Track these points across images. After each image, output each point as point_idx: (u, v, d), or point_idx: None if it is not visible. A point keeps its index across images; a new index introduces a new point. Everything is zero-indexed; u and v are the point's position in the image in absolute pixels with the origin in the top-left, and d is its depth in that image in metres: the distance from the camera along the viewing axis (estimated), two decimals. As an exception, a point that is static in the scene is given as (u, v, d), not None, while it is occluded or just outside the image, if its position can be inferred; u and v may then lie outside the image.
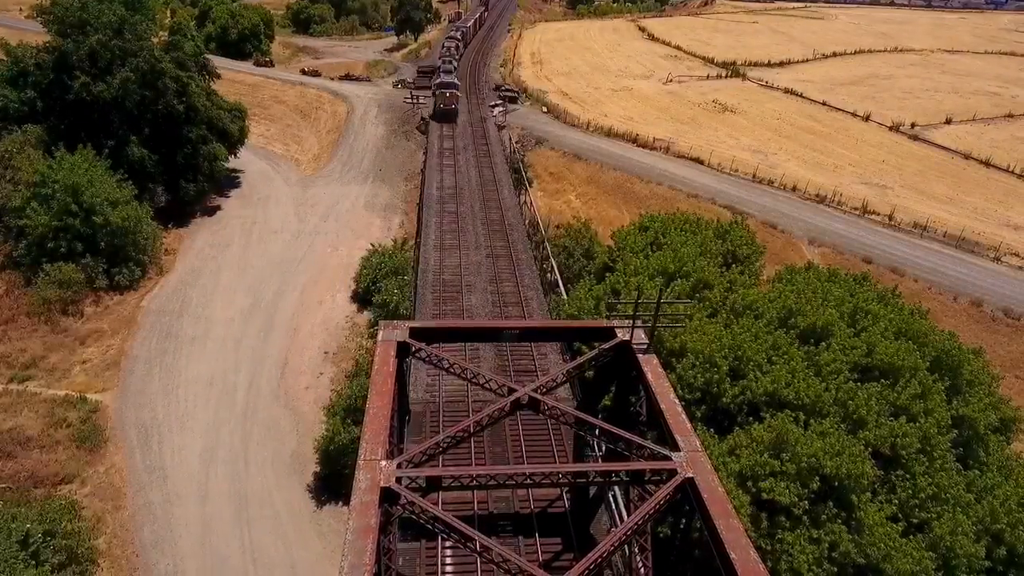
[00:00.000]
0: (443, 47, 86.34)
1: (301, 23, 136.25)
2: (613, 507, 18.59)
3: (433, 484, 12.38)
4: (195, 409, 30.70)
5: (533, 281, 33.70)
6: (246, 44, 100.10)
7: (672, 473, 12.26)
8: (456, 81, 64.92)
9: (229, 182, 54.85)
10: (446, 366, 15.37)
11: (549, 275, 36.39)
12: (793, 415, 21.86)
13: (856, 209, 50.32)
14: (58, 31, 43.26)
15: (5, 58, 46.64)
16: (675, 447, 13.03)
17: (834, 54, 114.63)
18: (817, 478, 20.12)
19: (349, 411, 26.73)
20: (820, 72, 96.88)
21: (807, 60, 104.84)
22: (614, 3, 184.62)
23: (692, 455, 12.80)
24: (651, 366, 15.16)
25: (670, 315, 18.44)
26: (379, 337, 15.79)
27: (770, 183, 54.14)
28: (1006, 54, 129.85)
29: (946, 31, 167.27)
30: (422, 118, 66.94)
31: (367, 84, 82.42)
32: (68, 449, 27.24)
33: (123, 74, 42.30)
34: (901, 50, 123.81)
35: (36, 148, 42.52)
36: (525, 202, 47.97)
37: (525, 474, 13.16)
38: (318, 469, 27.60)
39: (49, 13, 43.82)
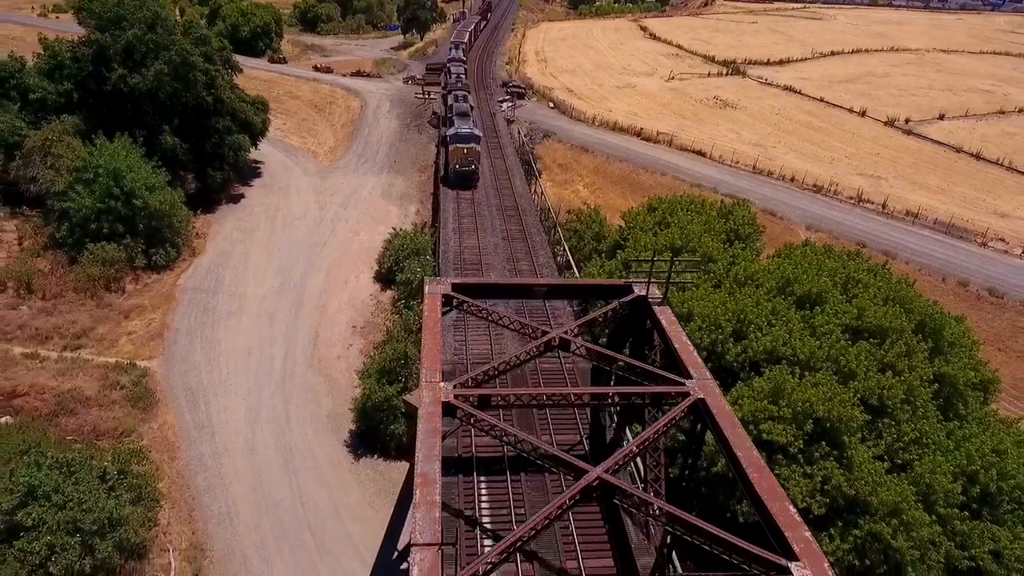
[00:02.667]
0: (450, 73, 65.41)
1: (308, 22, 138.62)
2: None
3: (484, 401, 14.31)
4: (236, 375, 33.09)
5: (548, 260, 36.03)
6: (257, 42, 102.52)
7: (686, 395, 14.28)
8: (476, 131, 45.95)
9: (251, 172, 57.22)
10: (483, 315, 17.83)
11: (559, 258, 38.76)
12: (790, 369, 24.31)
13: (851, 198, 52.79)
14: (96, 26, 45.58)
15: (43, 52, 49.01)
16: (687, 376, 15.42)
17: (832, 53, 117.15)
18: (811, 421, 22.54)
19: (383, 373, 29.13)
20: (818, 70, 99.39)
21: (805, 59, 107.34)
22: (615, 3, 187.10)
23: (703, 382, 15.10)
24: (665, 315, 17.53)
25: (678, 282, 20.92)
26: (426, 290, 18.16)
27: (769, 174, 56.60)
28: (1000, 54, 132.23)
29: (943, 32, 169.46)
30: (434, 112, 69.34)
31: (378, 80, 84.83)
32: (123, 408, 29.62)
33: (157, 66, 44.67)
34: (897, 50, 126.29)
35: (73, 137, 44.91)
36: (536, 191, 50.37)
37: (561, 394, 15.67)
38: (354, 427, 29.98)
39: (87, 9, 46.16)
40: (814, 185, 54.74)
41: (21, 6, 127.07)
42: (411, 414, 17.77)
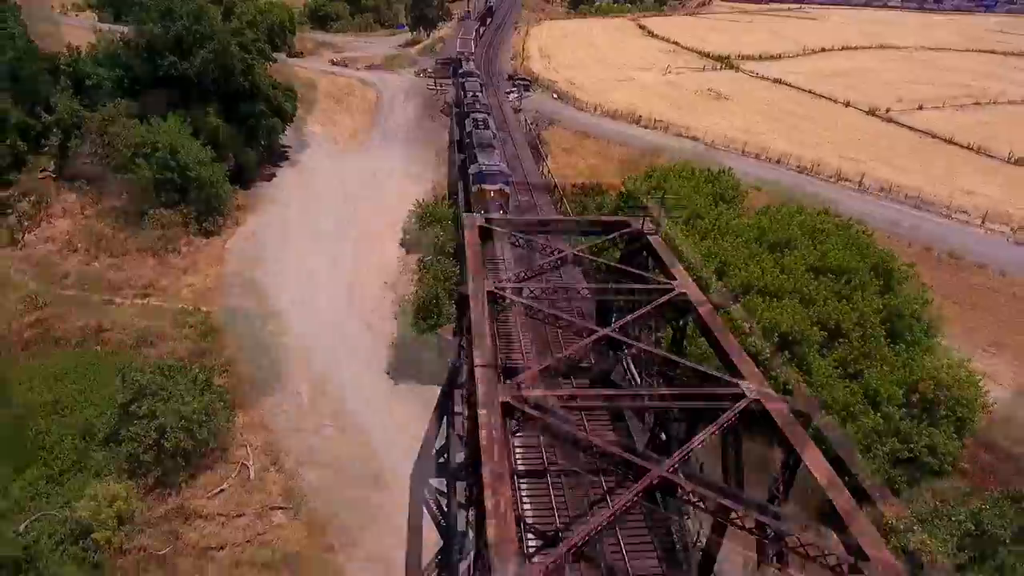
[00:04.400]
0: (464, 90, 58.66)
1: (319, 20, 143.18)
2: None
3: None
4: (285, 321, 37.99)
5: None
6: (274, 38, 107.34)
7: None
8: (504, 167, 39.08)
9: (281, 155, 62.12)
10: (512, 240, 22.80)
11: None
12: (761, 297, 29.27)
13: (831, 176, 57.78)
14: (146, 18, 50.52)
15: (96, 43, 53.96)
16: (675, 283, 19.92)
17: (823, 50, 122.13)
18: (776, 335, 27.51)
19: (418, 311, 34.06)
20: (808, 65, 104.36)
21: (796, 55, 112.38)
22: (615, 3, 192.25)
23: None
24: (658, 243, 22.30)
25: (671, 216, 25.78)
26: (465, 225, 23.15)
27: (757, 156, 61.57)
28: (986, 52, 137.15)
29: (933, 31, 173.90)
30: (446, 102, 74.25)
31: (391, 74, 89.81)
32: (194, 341, 34.53)
33: (204, 54, 49.61)
34: (886, 47, 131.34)
35: (127, 117, 49.80)
36: (542, 171, 55.31)
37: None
38: (392, 360, 34.90)
39: (139, 3, 51.13)
40: (798, 166, 59.73)
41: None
42: (461, 301, 22.31)
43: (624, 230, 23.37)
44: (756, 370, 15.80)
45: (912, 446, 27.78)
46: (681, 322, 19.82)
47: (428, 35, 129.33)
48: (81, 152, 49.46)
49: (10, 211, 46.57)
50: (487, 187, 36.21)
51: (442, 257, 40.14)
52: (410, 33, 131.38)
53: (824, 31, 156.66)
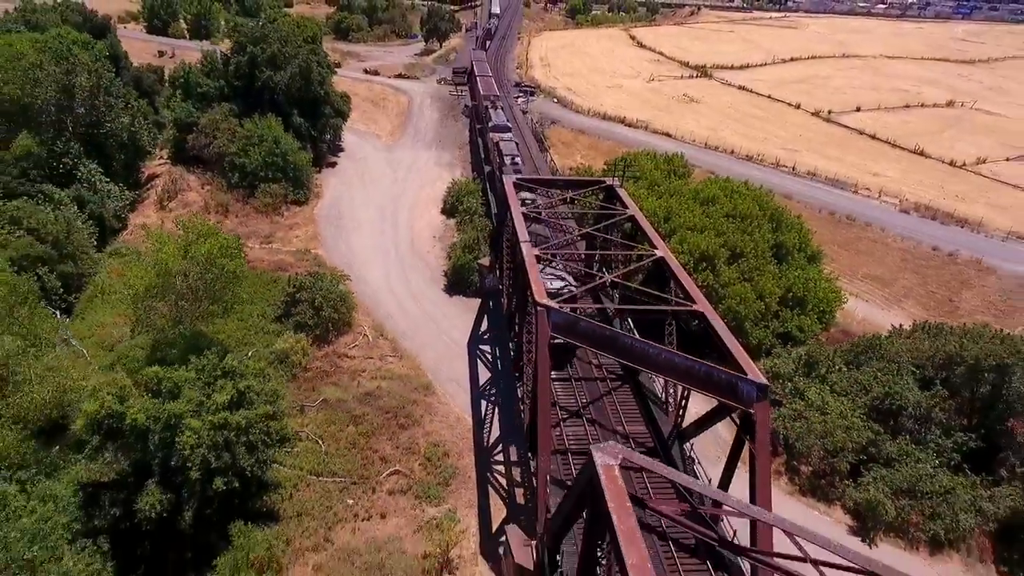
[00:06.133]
0: (501, 153, 53.87)
1: (341, 31, 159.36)
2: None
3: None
4: (369, 259, 54.04)
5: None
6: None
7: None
8: (571, 278, 34.31)
9: (338, 148, 78.20)
10: (533, 190, 38.95)
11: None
12: (691, 231, 45.42)
13: (772, 163, 74.11)
14: (247, 41, 66.64)
15: (203, 60, 70.07)
16: (653, 246, 36.57)
17: (792, 59, 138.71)
18: (697, 252, 43.65)
19: (465, 248, 50.14)
20: (773, 73, 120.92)
21: (765, 64, 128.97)
22: (609, 13, 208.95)
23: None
24: (623, 192, 38.42)
25: (631, 174, 41.92)
26: (504, 180, 39.28)
27: (715, 148, 77.88)
28: (941, 60, 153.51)
29: (900, 39, 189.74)
30: (465, 104, 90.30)
31: (416, 81, 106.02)
32: (312, 267, 50.47)
33: (292, 69, 65.79)
34: (848, 56, 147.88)
35: (233, 117, 65.84)
36: (547, 160, 71.46)
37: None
38: (446, 282, 51.03)
39: (238, 31, 67.23)
40: (747, 156, 76.04)
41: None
42: (493, 240, 38.75)
43: (601, 185, 39.59)
44: (700, 293, 32.11)
45: (786, 324, 44.11)
46: (628, 226, 36.13)
47: (441, 45, 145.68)
48: (196, 143, 65.44)
49: (149, 187, 62.79)
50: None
51: (475, 216, 56.34)
52: (424, 43, 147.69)
53: (799, 40, 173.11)
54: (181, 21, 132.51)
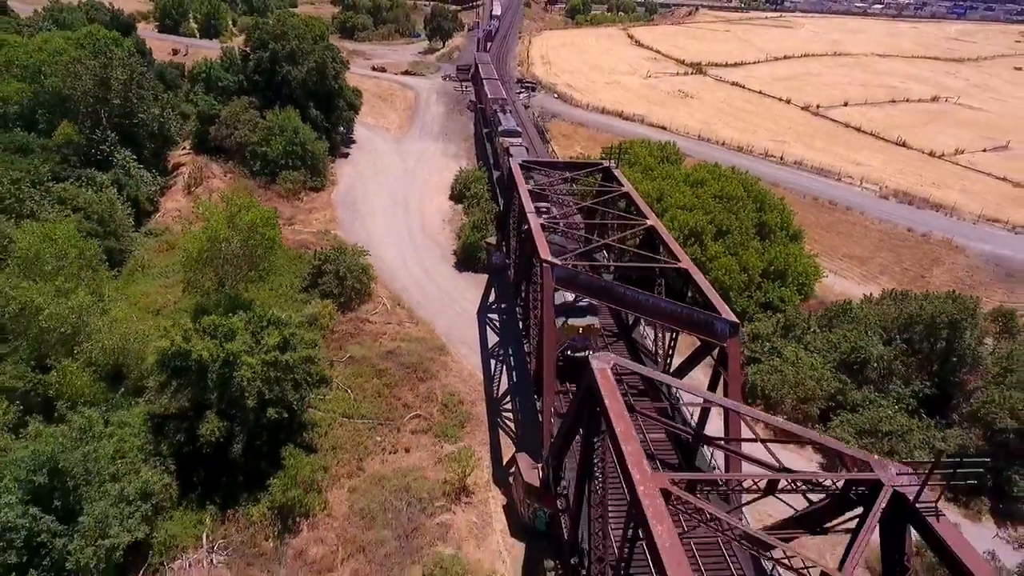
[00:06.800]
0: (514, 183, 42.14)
1: (347, 30, 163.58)
2: None
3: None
4: (384, 239, 58.25)
5: (560, 178, 61.30)
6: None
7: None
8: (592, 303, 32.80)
9: (350, 140, 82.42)
10: (538, 171, 43.24)
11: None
12: (681, 210, 49.65)
13: (761, 154, 78.39)
14: (268, 38, 70.86)
15: (223, 56, 74.25)
16: (645, 216, 40.84)
17: (785, 57, 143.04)
18: (687, 229, 47.89)
19: (473, 227, 54.37)
20: (766, 71, 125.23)
21: (758, 62, 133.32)
22: (608, 13, 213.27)
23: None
24: (619, 172, 42.72)
25: (626, 160, 46.21)
26: (512, 163, 43.57)
27: (708, 140, 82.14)
28: (930, 58, 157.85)
29: (892, 39, 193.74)
30: (470, 100, 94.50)
31: (422, 78, 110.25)
32: (333, 245, 54.65)
33: (309, 64, 70.01)
34: (840, 54, 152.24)
35: (252, 110, 70.03)
36: (549, 151, 75.71)
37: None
38: (455, 260, 55.27)
39: (259, 28, 71.50)
40: (737, 147, 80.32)
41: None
42: (499, 220, 42.98)
43: (600, 167, 43.86)
44: (685, 254, 36.37)
45: (768, 295, 48.37)
46: (623, 203, 40.38)
47: (444, 44, 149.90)
48: (219, 134, 69.60)
49: (176, 174, 67.05)
50: (575, 322, 32.50)
51: (482, 200, 60.58)
52: (427, 42, 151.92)
53: (793, 39, 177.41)
54: (191, 20, 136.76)
